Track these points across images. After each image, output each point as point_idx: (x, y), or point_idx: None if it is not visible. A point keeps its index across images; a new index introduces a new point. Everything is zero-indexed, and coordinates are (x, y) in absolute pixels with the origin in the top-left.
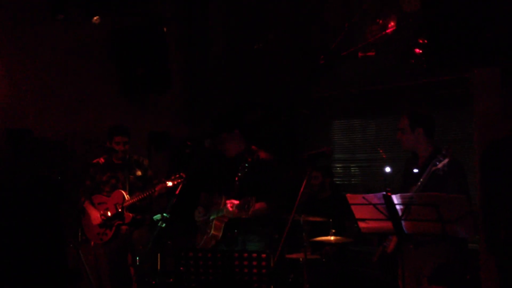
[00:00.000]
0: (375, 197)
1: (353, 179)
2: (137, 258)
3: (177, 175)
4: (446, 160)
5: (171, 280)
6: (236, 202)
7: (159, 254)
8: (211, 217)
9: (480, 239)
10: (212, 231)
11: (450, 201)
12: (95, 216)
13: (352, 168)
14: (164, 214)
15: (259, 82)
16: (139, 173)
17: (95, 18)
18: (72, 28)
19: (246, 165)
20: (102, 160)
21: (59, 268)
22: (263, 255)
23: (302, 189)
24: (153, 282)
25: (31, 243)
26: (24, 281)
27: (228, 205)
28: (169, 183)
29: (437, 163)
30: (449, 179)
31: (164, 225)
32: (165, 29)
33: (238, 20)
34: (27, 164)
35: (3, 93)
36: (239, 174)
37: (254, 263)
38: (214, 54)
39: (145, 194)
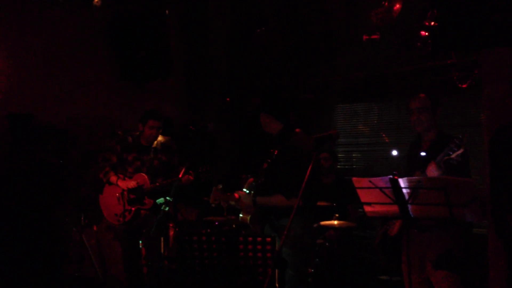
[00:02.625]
0: (382, 181)
1: (355, 164)
2: (140, 242)
3: (205, 169)
4: (460, 151)
5: (175, 264)
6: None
7: (162, 238)
8: (247, 192)
9: (488, 224)
10: (241, 214)
11: (459, 185)
12: (132, 184)
13: (354, 153)
14: (168, 198)
15: (261, 67)
16: (164, 158)
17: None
18: (74, 13)
19: (275, 153)
20: (130, 139)
21: (50, 252)
22: (268, 239)
23: (308, 173)
24: (159, 266)
25: (26, 228)
26: (17, 262)
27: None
28: (195, 177)
29: (450, 152)
30: (460, 169)
31: (167, 208)
32: (167, 12)
33: (239, 5)
34: (27, 149)
35: (4, 78)
36: (268, 161)
37: (259, 247)
38: (216, 39)
39: (168, 181)
